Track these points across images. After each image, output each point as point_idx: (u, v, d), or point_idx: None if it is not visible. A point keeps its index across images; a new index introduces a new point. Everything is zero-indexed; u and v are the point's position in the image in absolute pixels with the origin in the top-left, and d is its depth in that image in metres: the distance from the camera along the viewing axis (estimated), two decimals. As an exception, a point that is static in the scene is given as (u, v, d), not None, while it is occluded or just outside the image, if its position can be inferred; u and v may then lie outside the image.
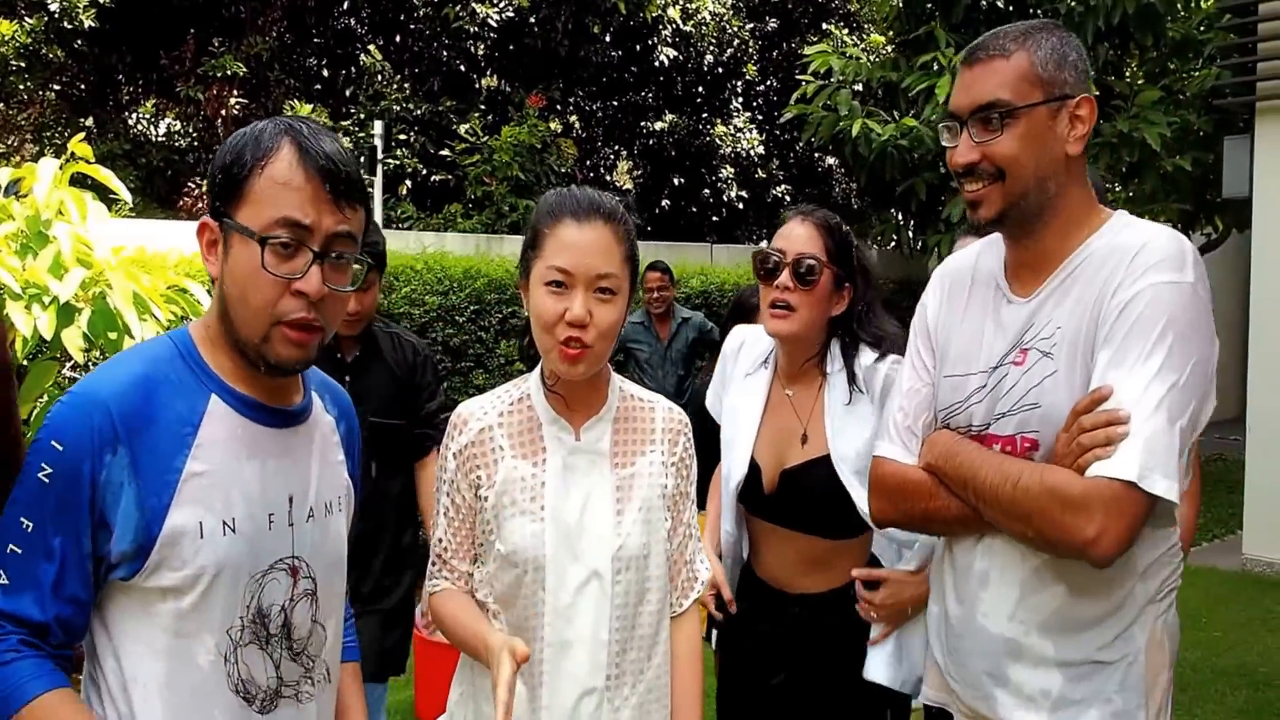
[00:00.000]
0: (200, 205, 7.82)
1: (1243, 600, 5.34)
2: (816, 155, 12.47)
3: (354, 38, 9.93)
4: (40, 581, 1.13)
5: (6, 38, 7.11)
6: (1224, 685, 4.24)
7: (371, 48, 9.47)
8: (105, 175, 3.49)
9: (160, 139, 9.26)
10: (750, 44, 11.73)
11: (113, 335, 3.30)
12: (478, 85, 10.16)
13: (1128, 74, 7.88)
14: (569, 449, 1.58)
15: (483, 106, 9.88)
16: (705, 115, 11.75)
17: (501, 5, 9.23)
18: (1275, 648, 4.68)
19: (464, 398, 1.82)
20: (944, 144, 1.54)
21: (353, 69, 9.78)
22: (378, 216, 7.78)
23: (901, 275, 8.91)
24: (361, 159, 9.14)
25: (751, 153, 11.72)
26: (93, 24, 7.37)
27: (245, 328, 1.21)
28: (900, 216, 8.20)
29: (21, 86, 7.87)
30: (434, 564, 1.64)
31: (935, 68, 6.78)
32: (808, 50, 7.52)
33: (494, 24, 9.13)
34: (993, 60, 1.46)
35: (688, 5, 10.96)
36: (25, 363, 3.45)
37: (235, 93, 8.37)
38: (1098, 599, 1.43)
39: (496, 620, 1.56)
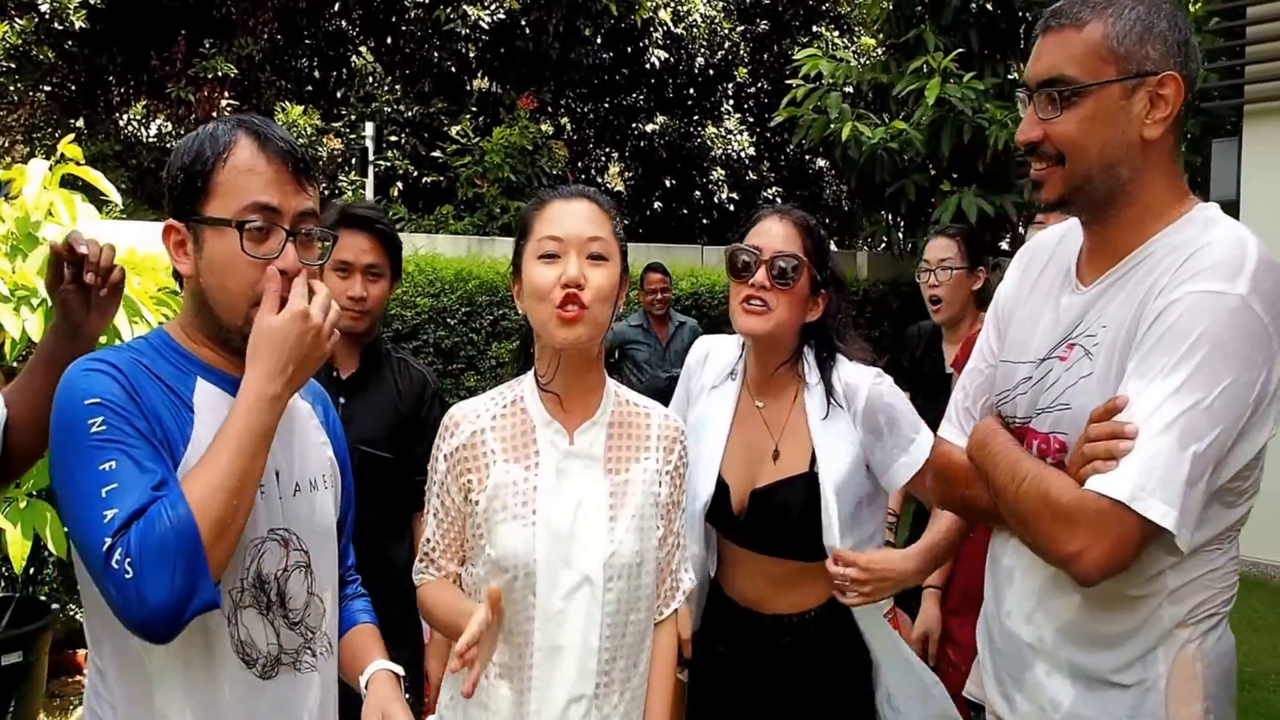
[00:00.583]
0: (191, 207, 7.76)
1: (1229, 600, 5.35)
2: (807, 157, 12.48)
3: (345, 39, 9.91)
4: (146, 485, 1.14)
5: (-4, 38, 7.07)
6: (1211, 684, 4.25)
7: (363, 49, 9.44)
8: (95, 177, 3.47)
9: (151, 140, 9.22)
10: (741, 46, 11.74)
11: (102, 338, 3.28)
12: (469, 87, 10.14)
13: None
14: (562, 453, 1.56)
15: (474, 108, 9.86)
16: (696, 117, 11.76)
17: (493, 7, 9.22)
18: (1261, 647, 4.70)
19: (455, 400, 1.80)
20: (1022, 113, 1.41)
21: (344, 70, 9.75)
22: (369, 218, 7.73)
23: (891, 276, 8.93)
24: (353, 160, 9.11)
25: (742, 155, 11.73)
26: (83, 25, 7.33)
27: (227, 314, 1.26)
28: (890, 218, 8.22)
29: (12, 87, 7.82)
30: (421, 561, 1.63)
31: (925, 70, 6.79)
32: (798, 53, 7.53)
33: (485, 26, 9.12)
34: (1064, 30, 1.31)
35: (679, 8, 10.96)
36: (15, 365, 3.42)
37: (226, 94, 8.34)
38: (1116, 614, 1.33)
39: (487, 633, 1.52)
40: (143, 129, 9.36)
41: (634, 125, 11.45)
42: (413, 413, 2.37)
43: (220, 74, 8.03)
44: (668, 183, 11.84)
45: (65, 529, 2.22)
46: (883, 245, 9.54)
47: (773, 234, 1.85)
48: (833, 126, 7.01)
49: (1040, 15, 5.96)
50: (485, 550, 1.53)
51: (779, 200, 12.58)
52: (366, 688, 1.41)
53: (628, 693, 1.57)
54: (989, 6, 7.36)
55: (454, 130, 8.94)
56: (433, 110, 9.52)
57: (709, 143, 11.52)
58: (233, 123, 1.29)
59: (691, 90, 11.70)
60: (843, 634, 1.87)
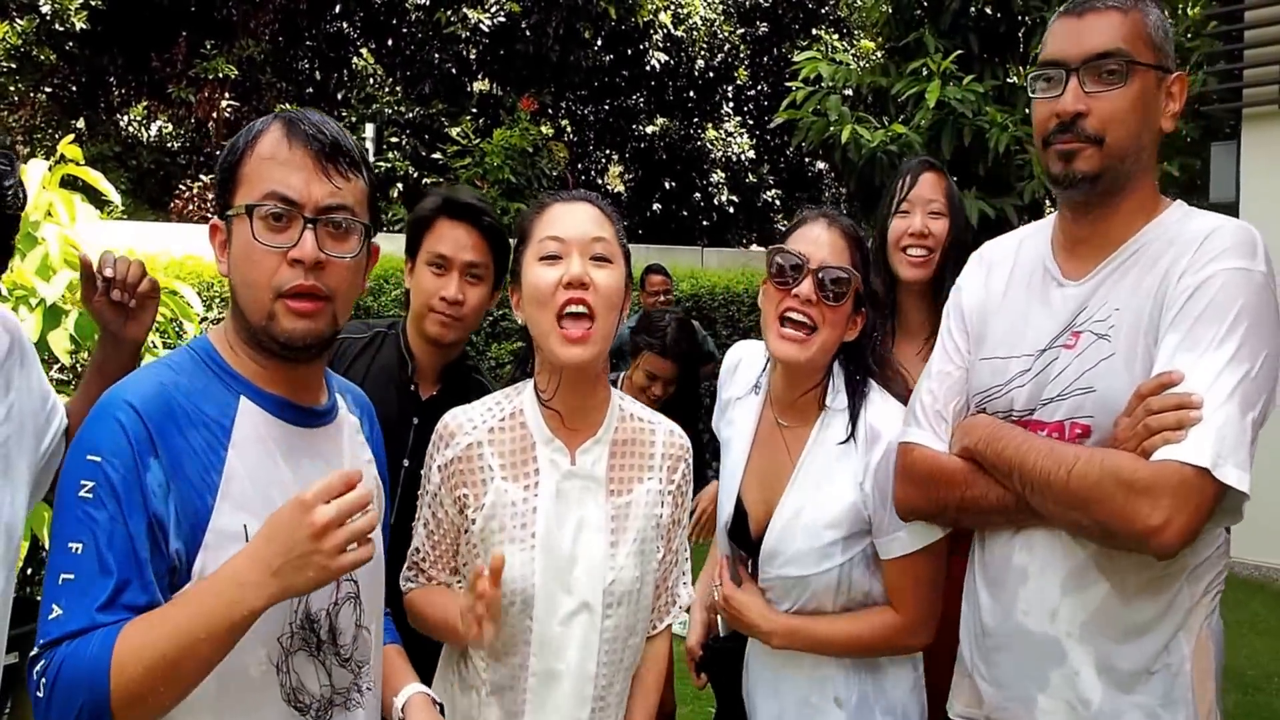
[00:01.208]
0: (191, 207, 7.78)
1: (1230, 603, 5.32)
2: (806, 160, 12.48)
3: (346, 41, 9.91)
4: (95, 600, 1.05)
5: (-3, 39, 7.07)
6: (1211, 688, 4.24)
7: (364, 51, 9.45)
8: (94, 177, 3.47)
9: (152, 141, 9.22)
10: (741, 49, 11.75)
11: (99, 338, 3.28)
12: (469, 89, 10.15)
13: (1115, 80, 7.91)
14: (563, 473, 1.48)
15: (474, 110, 9.86)
16: (696, 119, 11.76)
17: (493, 10, 9.22)
18: (1263, 650, 4.69)
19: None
20: (1034, 96, 1.43)
21: (344, 72, 9.75)
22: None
23: (891, 279, 8.93)
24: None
25: (742, 157, 11.73)
26: (84, 26, 7.33)
27: (251, 310, 1.17)
28: (890, 221, 8.21)
29: (12, 88, 7.82)
30: (409, 569, 1.57)
31: (925, 73, 6.79)
32: (797, 56, 7.53)
33: (485, 28, 9.12)
34: (1110, 11, 1.37)
35: (679, 10, 10.97)
36: (13, 365, 3.41)
37: (227, 95, 8.34)
38: (1144, 600, 1.34)
39: (478, 652, 1.49)
40: (143, 130, 9.36)
41: (634, 127, 11.46)
42: None
43: (221, 75, 8.03)
44: (668, 185, 11.85)
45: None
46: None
47: (820, 242, 1.62)
48: (832, 129, 7.00)
49: (1040, 18, 5.90)
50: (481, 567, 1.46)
51: (778, 203, 12.59)
52: (403, 711, 1.37)
53: (621, 713, 1.55)
54: (988, 10, 7.35)
55: (454, 132, 8.94)
56: (433, 112, 9.52)
57: (709, 145, 11.52)
58: (276, 114, 1.23)
59: (691, 92, 11.71)
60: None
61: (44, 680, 1.05)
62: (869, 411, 1.64)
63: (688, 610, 1.73)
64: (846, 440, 1.63)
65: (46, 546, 3.59)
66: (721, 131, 11.68)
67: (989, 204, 6.68)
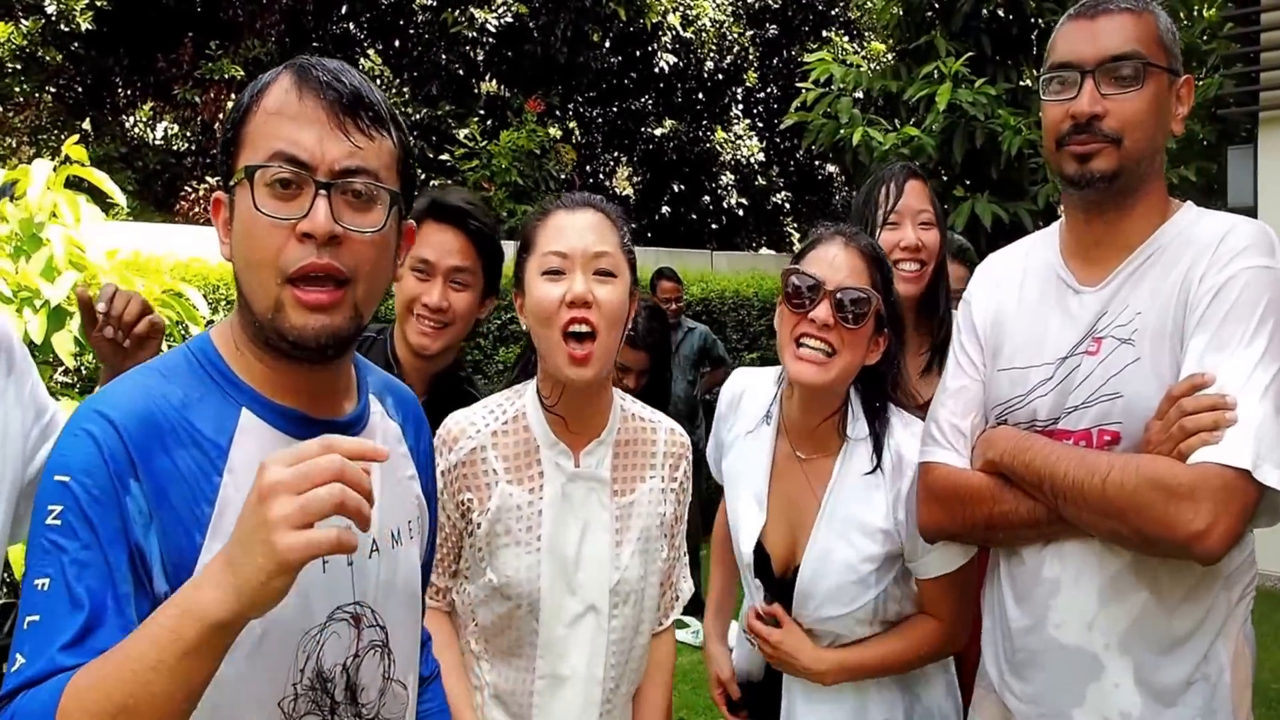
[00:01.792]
0: (197, 209, 7.81)
1: (1254, 616, 5.31)
2: (816, 163, 12.48)
3: (353, 42, 9.94)
4: (58, 639, 0.88)
5: (2, 39, 7.11)
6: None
7: (370, 52, 9.48)
8: (99, 178, 3.48)
9: (158, 142, 9.26)
10: (750, 51, 11.75)
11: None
12: (476, 90, 10.17)
13: (1130, 83, 7.89)
14: (567, 476, 1.49)
15: (481, 111, 9.89)
16: (705, 122, 11.77)
17: (500, 10, 9.24)
18: (1282, 663, 4.66)
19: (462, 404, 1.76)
20: (1046, 99, 1.43)
21: (351, 73, 9.78)
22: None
23: (902, 284, 8.91)
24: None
25: (751, 160, 11.74)
26: (90, 26, 7.37)
27: (255, 299, 0.98)
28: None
29: (18, 89, 7.87)
30: None
31: (936, 76, 6.79)
32: (808, 58, 7.53)
33: (493, 29, 9.14)
34: (1123, 14, 1.38)
35: (688, 11, 10.98)
36: (17, 367, 3.42)
37: (233, 96, 8.37)
38: (1183, 608, 1.32)
39: (481, 655, 1.51)
40: (149, 131, 9.41)
41: (643, 129, 11.47)
42: None
43: (227, 76, 8.06)
44: (676, 187, 11.85)
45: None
46: (893, 252, 9.51)
47: (837, 263, 1.57)
48: (843, 131, 7.00)
49: (1053, 20, 5.90)
50: (486, 574, 1.47)
51: (788, 206, 12.58)
52: None
53: (629, 714, 1.55)
54: (1000, 12, 7.34)
55: (461, 133, 8.96)
56: (440, 113, 9.54)
57: (718, 147, 11.53)
58: (288, 63, 1.02)
59: (700, 94, 11.72)
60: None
61: None
62: (894, 438, 1.59)
63: (693, 619, 1.72)
64: (873, 470, 1.59)
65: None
66: (731, 134, 11.68)
67: (1002, 208, 6.67)
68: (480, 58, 9.69)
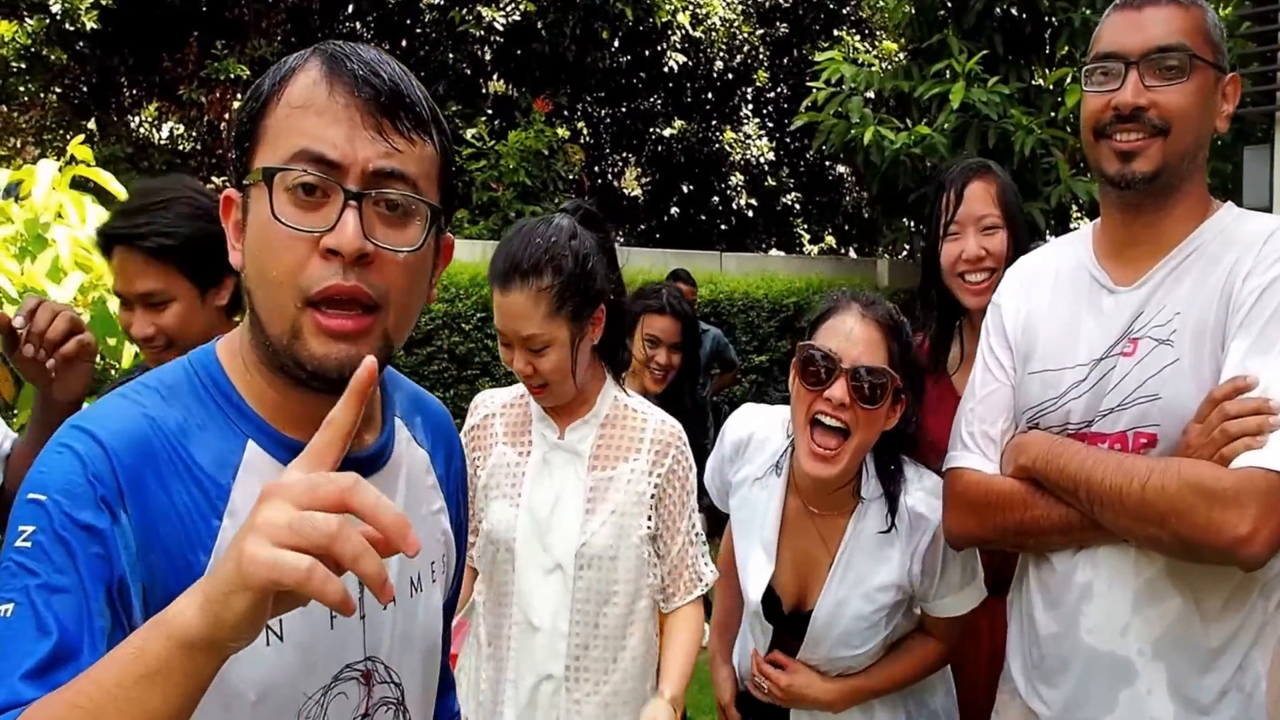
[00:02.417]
0: (202, 210, 7.83)
1: None
2: (827, 163, 12.47)
3: (359, 41, 9.98)
4: (20, 666, 0.75)
5: (7, 39, 7.16)
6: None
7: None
8: (105, 178, 3.51)
9: (163, 143, 9.31)
10: (760, 50, 11.75)
11: (111, 341, 3.31)
12: (484, 90, 10.19)
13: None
14: (550, 445, 1.75)
15: (489, 111, 9.91)
16: (715, 122, 11.77)
17: (508, 9, 9.26)
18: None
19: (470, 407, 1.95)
20: (1088, 89, 1.41)
21: (357, 73, 9.80)
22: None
23: (913, 284, 8.89)
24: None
25: (761, 160, 11.73)
26: (95, 26, 7.42)
27: (270, 321, 0.86)
28: (913, 225, 8.19)
29: (22, 88, 7.92)
30: None
31: (948, 75, 6.78)
32: (819, 57, 7.53)
33: (500, 28, 9.16)
34: (1171, 6, 1.37)
35: (697, 11, 10.99)
36: (23, 368, 3.45)
37: (238, 96, 8.42)
38: (1220, 615, 1.31)
39: (481, 604, 1.78)
40: (155, 131, 9.46)
41: (651, 129, 11.47)
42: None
43: (233, 76, 8.10)
44: (685, 188, 11.85)
45: None
46: (904, 253, 9.51)
47: (854, 338, 1.54)
48: (854, 131, 7.00)
49: (1066, 19, 5.89)
50: (482, 521, 1.73)
51: (798, 207, 12.58)
52: None
53: (606, 685, 1.69)
54: (1013, 11, 7.33)
55: (469, 133, 8.99)
56: (447, 113, 9.57)
57: (727, 148, 11.53)
58: (315, 47, 0.89)
59: (710, 94, 11.72)
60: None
61: None
62: (909, 496, 1.60)
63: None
64: (888, 530, 1.60)
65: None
66: (740, 134, 11.68)
67: (1015, 208, 6.66)
68: (488, 57, 9.71)
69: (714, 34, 11.12)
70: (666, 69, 10.74)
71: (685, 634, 1.75)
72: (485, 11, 9.08)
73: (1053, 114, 6.86)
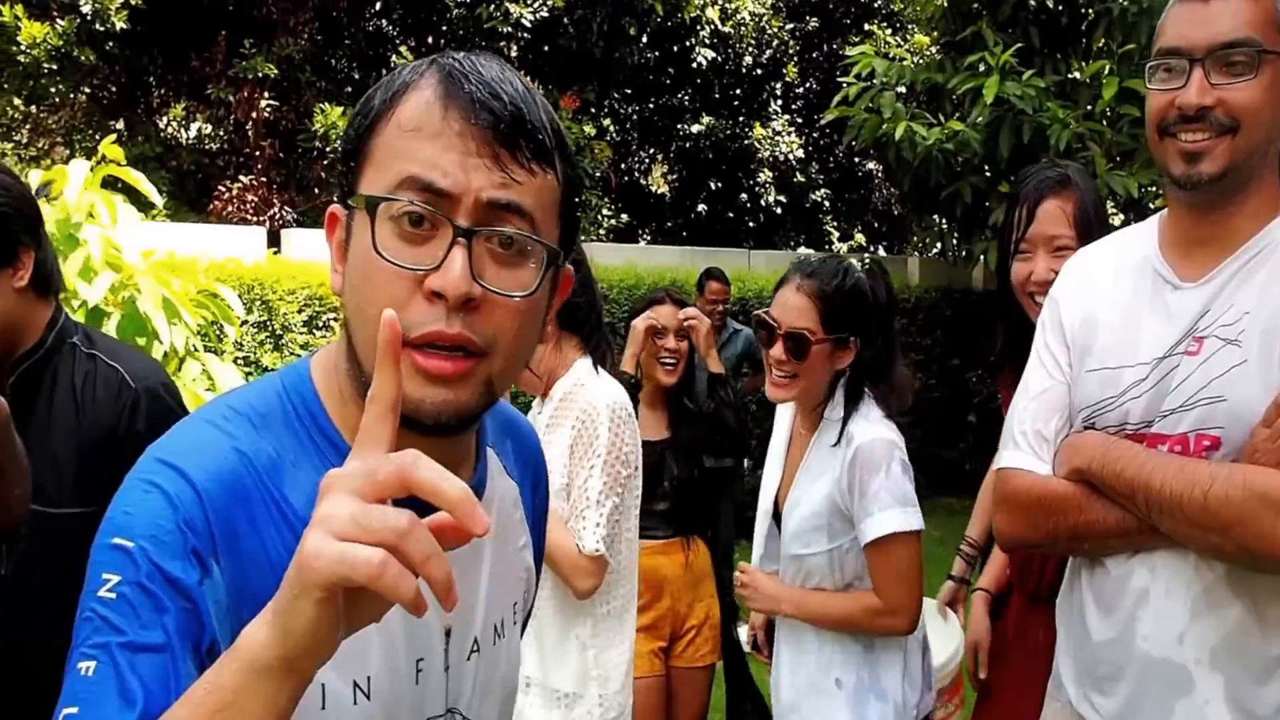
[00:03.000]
0: (230, 209, 7.92)
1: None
2: (857, 159, 12.40)
3: (385, 39, 10.05)
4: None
5: (38, 40, 7.27)
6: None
7: (403, 49, 9.57)
8: (136, 178, 3.55)
9: (191, 142, 9.42)
10: (790, 45, 11.70)
11: (141, 340, 3.36)
12: (510, 87, 10.22)
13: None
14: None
15: (515, 109, 9.93)
16: (743, 118, 11.74)
17: (536, 5, 9.28)
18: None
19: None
20: (1152, 86, 1.38)
21: (384, 70, 9.88)
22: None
23: (944, 283, 8.82)
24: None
25: (790, 156, 11.68)
26: (124, 26, 7.51)
27: (368, 357, 0.78)
28: (944, 223, 8.13)
29: (53, 89, 8.04)
30: None
31: (982, 68, 6.71)
32: (850, 51, 7.49)
33: (528, 24, 9.18)
34: None
35: (726, 6, 10.96)
36: (54, 367, 3.50)
37: (266, 95, 8.50)
38: (1278, 624, 1.28)
39: None
40: (182, 131, 9.57)
41: (679, 126, 11.46)
42: (107, 435, 1.62)
43: (260, 75, 8.18)
44: (713, 185, 11.83)
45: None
46: (935, 251, 9.43)
47: (788, 306, 1.97)
48: (885, 127, 6.95)
49: (1104, 9, 5.79)
50: None
51: (827, 204, 12.52)
52: None
53: None
54: (1049, 2, 7.25)
55: (494, 131, 9.00)
56: (473, 111, 9.59)
57: (756, 144, 11.49)
58: (433, 59, 0.82)
59: (738, 90, 11.68)
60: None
61: None
62: (854, 424, 1.96)
63: None
64: (837, 444, 1.96)
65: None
66: (769, 130, 11.64)
67: (1050, 205, 6.58)
68: (514, 53, 9.74)
69: (743, 29, 11.08)
70: (695, 65, 10.71)
71: (556, 533, 2.01)
72: (513, 8, 9.11)
73: (1089, 106, 6.78)
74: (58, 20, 7.51)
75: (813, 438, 2.03)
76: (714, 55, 10.84)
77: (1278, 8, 1.32)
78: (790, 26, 11.71)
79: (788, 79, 11.96)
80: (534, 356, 1.88)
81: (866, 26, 11.84)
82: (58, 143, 9.18)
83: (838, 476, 1.93)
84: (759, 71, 11.54)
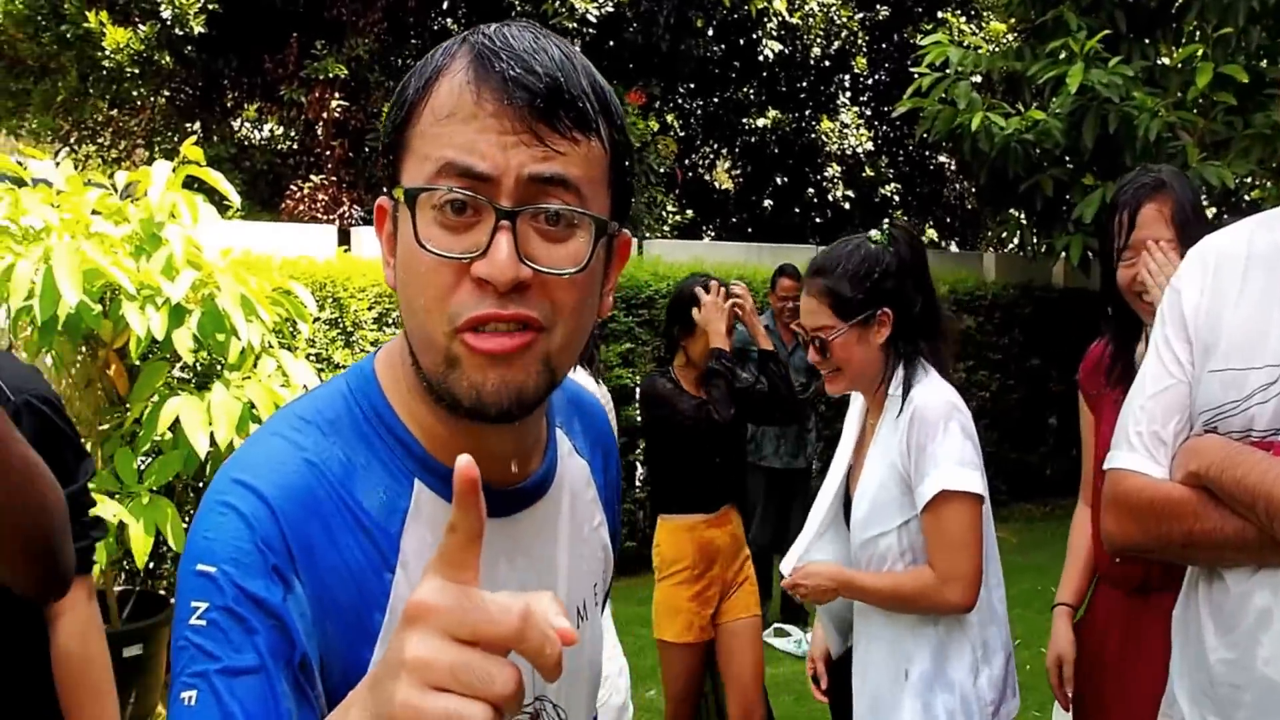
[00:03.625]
0: (301, 208, 8.10)
1: None
2: (928, 152, 12.18)
3: (450, 38, 10.17)
4: None
5: (121, 45, 7.51)
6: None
7: (470, 47, 9.67)
8: (215, 178, 3.64)
9: (263, 142, 9.65)
10: (860, 35, 11.55)
11: (220, 336, 3.44)
12: (576, 83, 10.27)
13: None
14: None
15: (581, 105, 9.98)
16: (810, 111, 11.62)
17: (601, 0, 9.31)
18: None
19: None
20: None
21: (451, 69, 9.97)
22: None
23: (1023, 280, 8.61)
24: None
25: (859, 150, 11.53)
26: (202, 30, 7.72)
27: (424, 352, 0.78)
28: (1022, 216, 7.94)
29: (134, 93, 8.31)
30: None
31: (1064, 55, 6.53)
32: (922, 41, 7.35)
33: (593, 19, 9.21)
34: None
35: (794, -4, 10.86)
36: (138, 363, 3.62)
37: (337, 95, 8.66)
38: None
39: None
40: (255, 131, 9.81)
41: (744, 120, 11.39)
42: None
43: (331, 75, 8.34)
44: (779, 180, 11.74)
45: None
46: (1012, 246, 9.21)
47: (806, 311, 2.05)
48: (960, 118, 6.80)
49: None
50: None
51: (897, 199, 12.34)
52: None
53: None
54: (1137, -16, 7.02)
55: (560, 128, 9.05)
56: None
57: (824, 137, 11.36)
58: (465, 35, 0.81)
59: (806, 83, 11.57)
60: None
61: None
62: (914, 391, 1.95)
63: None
64: (899, 415, 1.95)
65: (170, 542, 3.77)
66: (837, 123, 11.50)
67: (1136, 196, 6.37)
68: (579, 49, 9.78)
69: (811, 20, 10.97)
70: (761, 57, 10.63)
71: None
72: (578, 3, 9.14)
73: (1180, 94, 6.55)
74: (139, 26, 7.75)
75: (879, 419, 2.03)
76: (781, 47, 10.74)
77: None
78: (860, 16, 11.55)
79: (856, 70, 11.80)
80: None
81: (940, 14, 11.62)
82: (138, 145, 9.48)
83: (898, 442, 1.92)
84: (827, 63, 11.40)
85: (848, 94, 11.93)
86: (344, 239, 6.43)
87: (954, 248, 12.91)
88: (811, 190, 11.73)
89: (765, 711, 3.28)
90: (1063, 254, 7.07)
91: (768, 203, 11.89)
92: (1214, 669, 1.34)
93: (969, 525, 1.84)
